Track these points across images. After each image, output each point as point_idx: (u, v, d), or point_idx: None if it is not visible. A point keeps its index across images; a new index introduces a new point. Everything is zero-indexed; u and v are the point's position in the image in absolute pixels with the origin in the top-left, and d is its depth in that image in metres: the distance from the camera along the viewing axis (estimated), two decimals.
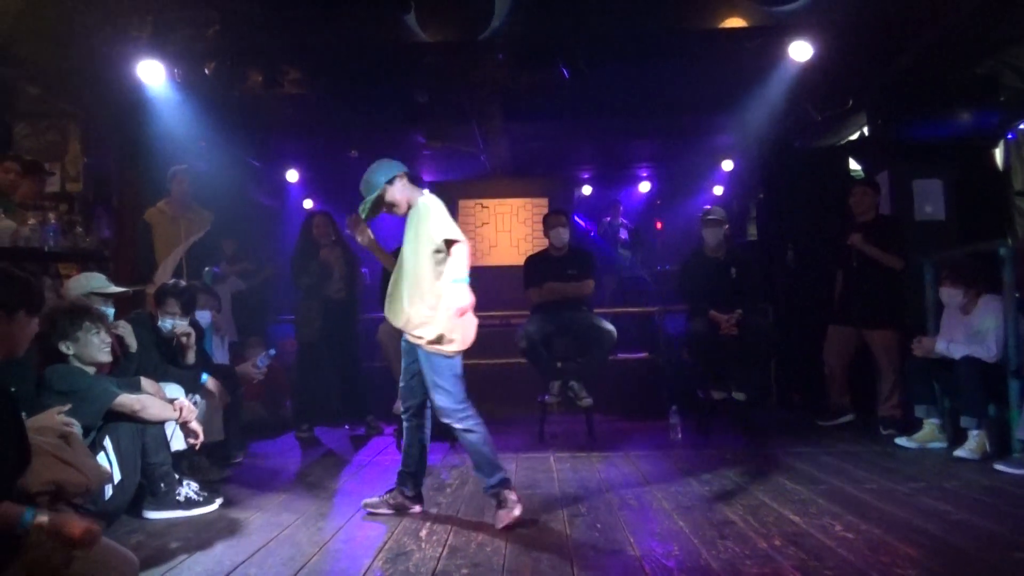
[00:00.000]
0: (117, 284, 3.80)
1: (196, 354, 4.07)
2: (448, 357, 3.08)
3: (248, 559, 2.64)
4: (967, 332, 4.24)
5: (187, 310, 4.03)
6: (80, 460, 2.39)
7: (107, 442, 3.06)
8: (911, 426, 4.59)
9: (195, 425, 3.32)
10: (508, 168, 9.10)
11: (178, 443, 3.44)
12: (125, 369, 3.56)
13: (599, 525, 2.98)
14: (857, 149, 6.84)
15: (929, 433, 4.40)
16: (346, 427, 5.81)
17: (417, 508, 3.26)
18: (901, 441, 4.46)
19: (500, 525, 2.96)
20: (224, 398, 4.32)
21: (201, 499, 3.34)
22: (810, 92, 6.20)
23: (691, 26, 5.31)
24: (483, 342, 6.35)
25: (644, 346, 6.79)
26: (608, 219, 9.84)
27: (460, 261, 3.03)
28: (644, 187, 10.43)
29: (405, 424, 3.30)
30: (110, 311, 3.59)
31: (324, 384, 5.68)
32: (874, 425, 5.01)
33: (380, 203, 3.19)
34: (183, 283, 4.23)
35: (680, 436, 4.95)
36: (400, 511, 3.22)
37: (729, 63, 5.88)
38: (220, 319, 5.41)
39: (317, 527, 3.05)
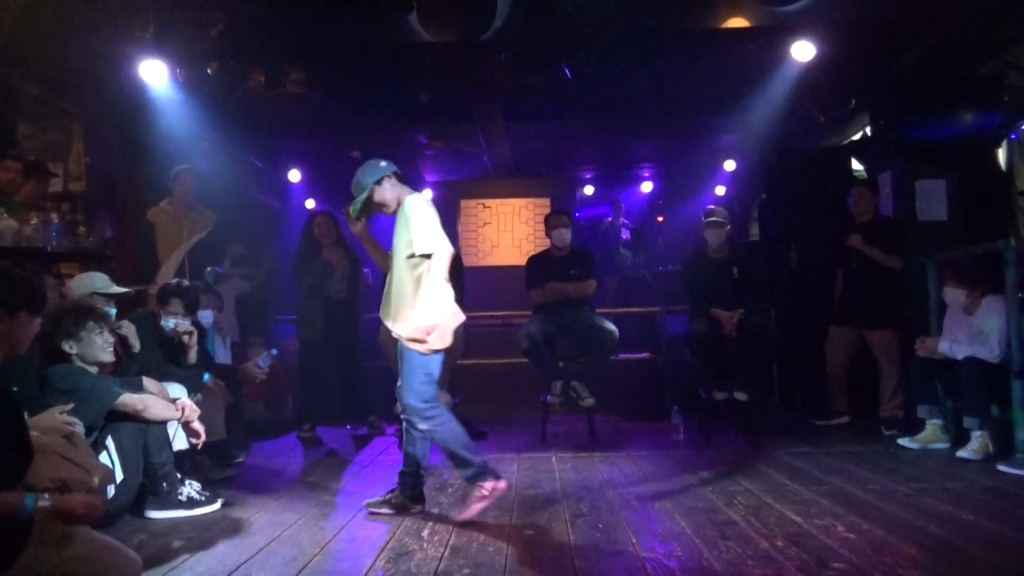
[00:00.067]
0: (119, 284, 3.81)
1: (198, 354, 4.07)
2: (423, 355, 3.08)
3: (250, 559, 2.64)
4: (970, 332, 4.23)
5: (190, 310, 4.04)
6: (84, 459, 2.40)
7: (109, 442, 3.07)
8: (913, 426, 4.58)
9: (197, 425, 3.33)
10: (510, 168, 9.10)
11: (180, 443, 3.44)
12: (128, 369, 3.56)
13: (601, 525, 2.97)
14: (860, 149, 6.83)
15: (932, 434, 4.39)
16: (348, 427, 5.82)
17: (419, 508, 3.26)
18: (903, 442, 4.46)
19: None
20: (226, 398, 4.32)
21: (203, 499, 3.35)
22: (812, 92, 6.19)
23: (693, 26, 5.31)
24: (485, 342, 6.45)
25: (646, 346, 6.79)
26: (610, 219, 9.85)
27: (436, 274, 3.03)
28: (646, 187, 10.42)
29: (405, 424, 3.30)
30: (112, 311, 3.60)
31: (326, 384, 5.68)
32: (876, 425, 5.00)
33: (370, 203, 3.21)
34: (186, 283, 4.24)
35: (682, 436, 4.96)
36: (402, 511, 3.22)
37: (731, 63, 5.88)
38: (222, 319, 5.40)
39: (319, 527, 3.05)
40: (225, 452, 4.34)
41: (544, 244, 5.59)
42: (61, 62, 5.10)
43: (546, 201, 8.98)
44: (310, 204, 9.38)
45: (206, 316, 4.80)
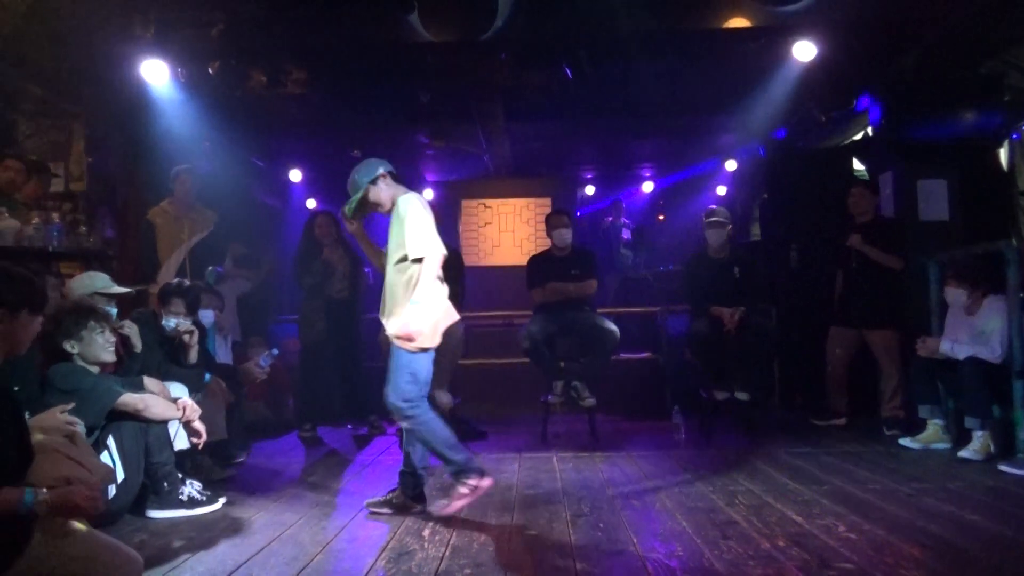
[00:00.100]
0: (120, 284, 3.81)
1: (199, 353, 4.08)
2: (410, 353, 3.08)
3: (251, 558, 2.64)
4: (971, 332, 4.23)
5: (192, 309, 4.05)
6: (85, 459, 2.40)
7: (110, 441, 3.07)
8: (915, 427, 4.58)
9: (198, 424, 3.33)
10: (511, 168, 9.10)
11: (181, 442, 3.44)
12: (129, 368, 3.56)
13: (602, 525, 2.97)
14: (861, 149, 6.83)
15: (933, 434, 4.39)
16: (349, 427, 5.82)
17: (419, 508, 3.26)
18: (905, 442, 4.46)
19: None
20: (227, 398, 4.32)
21: (204, 498, 3.35)
22: (813, 92, 6.18)
23: (694, 26, 5.30)
24: (486, 342, 6.44)
25: (647, 346, 6.78)
26: (610, 219, 9.84)
27: (426, 278, 3.02)
28: (647, 187, 10.41)
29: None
30: (113, 311, 3.60)
31: (327, 384, 5.68)
32: (877, 425, 5.00)
33: (365, 202, 3.21)
34: (187, 282, 4.24)
35: (683, 436, 4.95)
36: (402, 511, 3.22)
37: (732, 63, 5.87)
38: (223, 319, 5.40)
39: (320, 526, 3.05)
40: (226, 452, 4.35)
41: (545, 244, 5.59)
42: (61, 62, 5.10)
43: (547, 201, 8.98)
44: (311, 204, 9.38)
45: (207, 316, 4.80)
